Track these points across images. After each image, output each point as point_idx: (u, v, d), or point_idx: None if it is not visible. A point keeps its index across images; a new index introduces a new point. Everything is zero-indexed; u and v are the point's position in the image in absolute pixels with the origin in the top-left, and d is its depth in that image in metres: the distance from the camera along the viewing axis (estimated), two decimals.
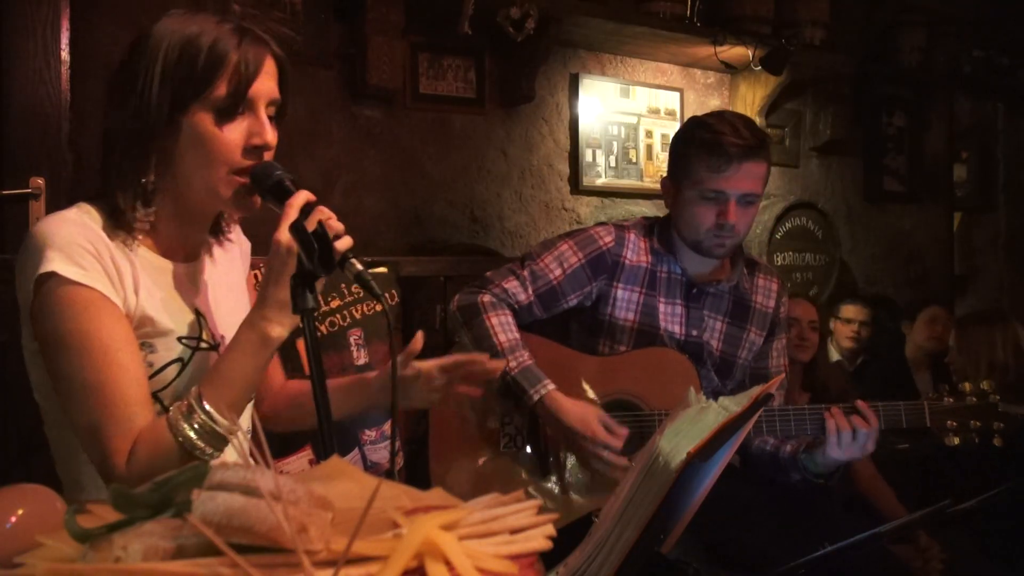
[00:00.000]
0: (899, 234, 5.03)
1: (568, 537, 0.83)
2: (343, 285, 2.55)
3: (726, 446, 0.93)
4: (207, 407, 1.19)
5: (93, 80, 2.70)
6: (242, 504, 0.64)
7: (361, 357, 2.55)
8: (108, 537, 0.67)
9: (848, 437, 1.92)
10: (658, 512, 0.81)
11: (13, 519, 0.79)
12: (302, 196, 1.23)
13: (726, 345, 2.19)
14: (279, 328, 1.23)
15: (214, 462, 1.17)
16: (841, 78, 4.36)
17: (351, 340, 2.54)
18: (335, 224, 1.23)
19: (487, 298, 2.07)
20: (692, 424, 0.90)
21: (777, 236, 4.21)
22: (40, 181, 2.53)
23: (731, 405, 0.92)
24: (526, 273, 2.11)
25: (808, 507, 2.11)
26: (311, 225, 1.20)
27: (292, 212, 1.21)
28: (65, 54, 2.57)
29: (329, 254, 1.19)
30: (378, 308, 2.62)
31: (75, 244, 1.21)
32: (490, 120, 3.62)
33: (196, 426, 1.18)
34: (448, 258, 3.03)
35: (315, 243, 1.18)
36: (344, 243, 1.22)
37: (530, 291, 2.10)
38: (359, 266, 1.21)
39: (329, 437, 1.18)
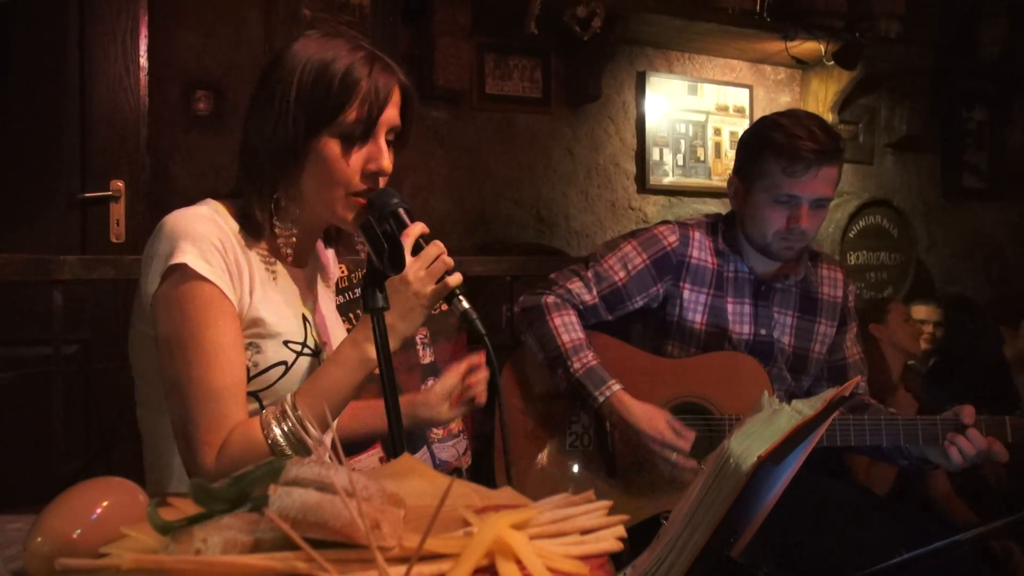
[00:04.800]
0: (979, 232, 4.86)
1: (634, 538, 0.83)
2: None
3: (799, 450, 0.91)
4: (300, 414, 1.23)
5: (170, 86, 2.78)
6: (317, 500, 0.65)
7: (427, 356, 2.58)
8: (189, 530, 0.69)
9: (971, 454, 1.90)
10: (728, 515, 0.79)
11: (98, 511, 0.81)
12: (417, 228, 1.30)
13: (798, 340, 2.15)
14: None
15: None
16: (917, 72, 4.25)
17: (417, 339, 2.57)
18: (447, 260, 1.29)
19: (551, 299, 2.07)
20: (764, 427, 0.88)
21: (850, 235, 4.11)
22: (120, 184, 2.62)
23: (804, 408, 0.90)
24: (590, 274, 2.10)
25: (883, 512, 2.05)
26: (436, 265, 1.28)
27: (407, 242, 1.28)
28: (144, 61, 2.65)
29: (399, 255, 1.21)
30: (444, 308, 2.64)
31: (206, 240, 1.26)
32: (556, 119, 3.63)
33: (286, 429, 1.22)
34: (514, 258, 3.03)
35: (385, 243, 1.20)
36: (455, 279, 1.29)
37: (595, 292, 2.08)
38: (465, 304, 1.28)
39: (399, 435, 1.19)
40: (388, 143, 1.37)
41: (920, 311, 3.93)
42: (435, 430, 2.55)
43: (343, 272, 2.35)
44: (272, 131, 1.31)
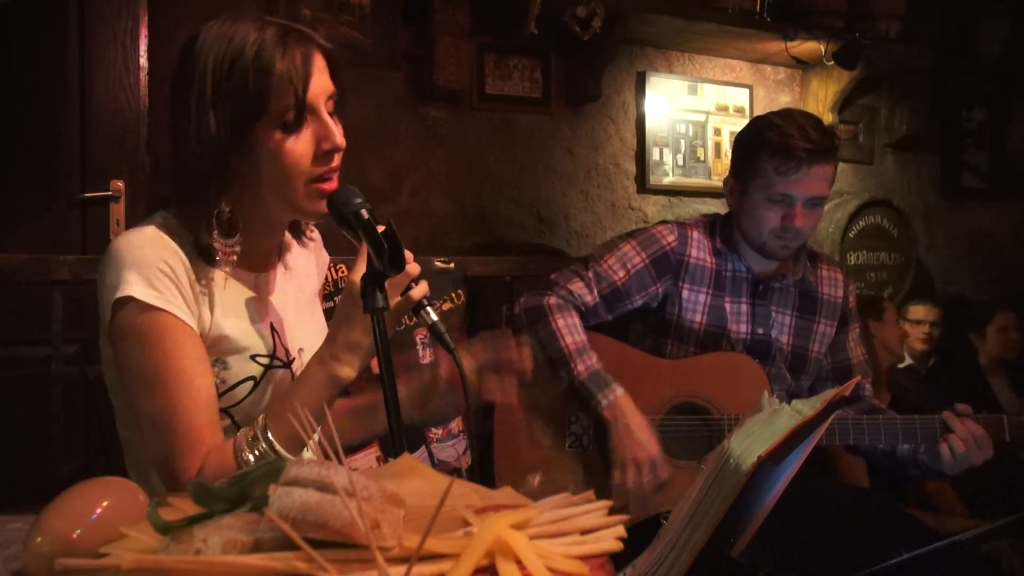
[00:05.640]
0: (979, 232, 4.86)
1: (634, 538, 0.83)
2: None
3: (798, 450, 0.91)
4: (270, 437, 1.20)
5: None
6: (317, 500, 0.65)
7: (426, 356, 2.58)
8: (189, 530, 0.69)
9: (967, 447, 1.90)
10: (728, 515, 0.79)
11: (98, 511, 0.81)
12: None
13: (796, 339, 2.16)
14: (348, 369, 1.24)
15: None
16: (917, 72, 4.25)
17: (417, 339, 2.57)
18: (411, 269, 1.22)
19: (553, 300, 2.07)
20: (764, 427, 0.88)
21: (850, 235, 4.12)
22: (120, 184, 2.62)
23: (804, 408, 0.90)
24: (590, 275, 2.10)
25: (883, 512, 2.05)
26: (399, 277, 1.21)
27: (364, 254, 1.20)
28: (144, 61, 2.65)
29: (399, 254, 1.19)
30: (445, 307, 2.64)
31: (152, 266, 1.21)
32: (556, 119, 3.62)
33: (257, 454, 1.20)
34: (514, 258, 3.03)
35: (384, 243, 1.18)
36: (419, 291, 1.23)
37: (595, 292, 2.09)
38: (434, 316, 1.23)
39: (399, 435, 1.19)
40: (331, 114, 1.27)
41: (918, 311, 3.94)
42: (435, 430, 2.55)
43: (343, 272, 2.34)
44: (197, 141, 1.22)
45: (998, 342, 3.81)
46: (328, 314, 1.57)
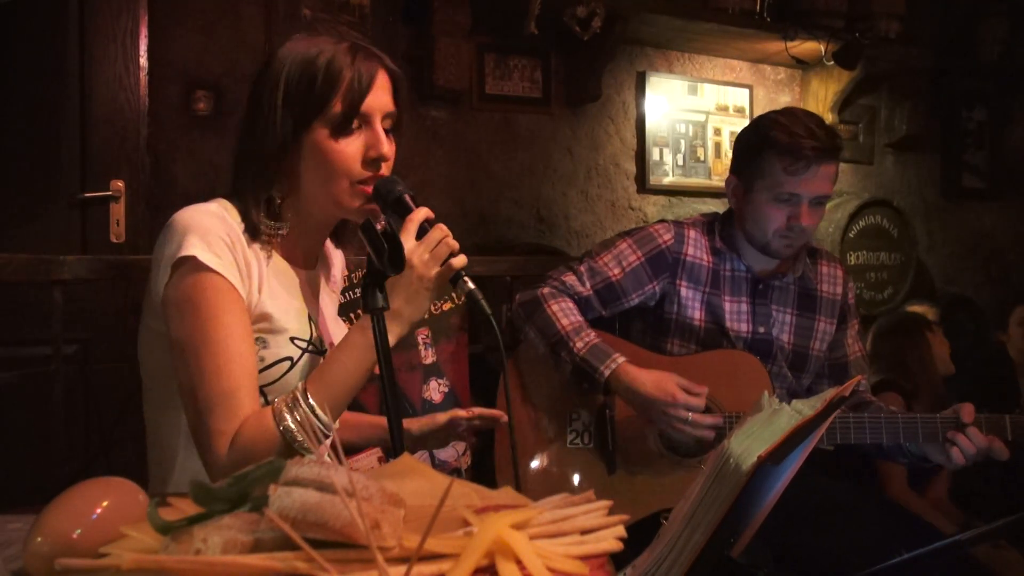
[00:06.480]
0: (979, 232, 4.86)
1: (634, 538, 0.83)
2: None
3: (799, 450, 0.91)
4: (311, 401, 1.24)
5: (170, 85, 2.78)
6: (317, 500, 0.65)
7: (428, 356, 2.58)
8: (189, 530, 0.68)
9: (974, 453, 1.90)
10: (728, 515, 0.79)
11: (98, 511, 0.81)
12: (421, 213, 1.32)
13: (797, 338, 2.15)
14: (390, 336, 1.28)
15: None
16: (917, 72, 4.24)
17: (419, 339, 2.57)
18: (451, 242, 1.31)
19: (546, 290, 2.08)
20: (764, 427, 0.88)
21: (850, 235, 4.12)
22: (120, 184, 2.62)
23: (804, 408, 0.90)
24: (584, 269, 2.11)
25: (883, 512, 2.05)
26: (440, 248, 1.30)
27: (411, 227, 1.31)
28: (144, 60, 2.65)
29: (399, 255, 1.21)
30: (445, 307, 2.64)
31: (214, 234, 1.27)
32: (556, 119, 3.62)
33: (298, 418, 1.22)
34: (514, 258, 3.03)
35: (384, 243, 1.20)
36: (459, 261, 1.31)
37: (588, 285, 2.09)
38: (471, 285, 1.30)
39: (399, 435, 1.19)
40: (386, 131, 1.37)
41: (917, 311, 3.94)
42: None
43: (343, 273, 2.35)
44: (263, 132, 1.33)
45: (1019, 335, 3.83)
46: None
